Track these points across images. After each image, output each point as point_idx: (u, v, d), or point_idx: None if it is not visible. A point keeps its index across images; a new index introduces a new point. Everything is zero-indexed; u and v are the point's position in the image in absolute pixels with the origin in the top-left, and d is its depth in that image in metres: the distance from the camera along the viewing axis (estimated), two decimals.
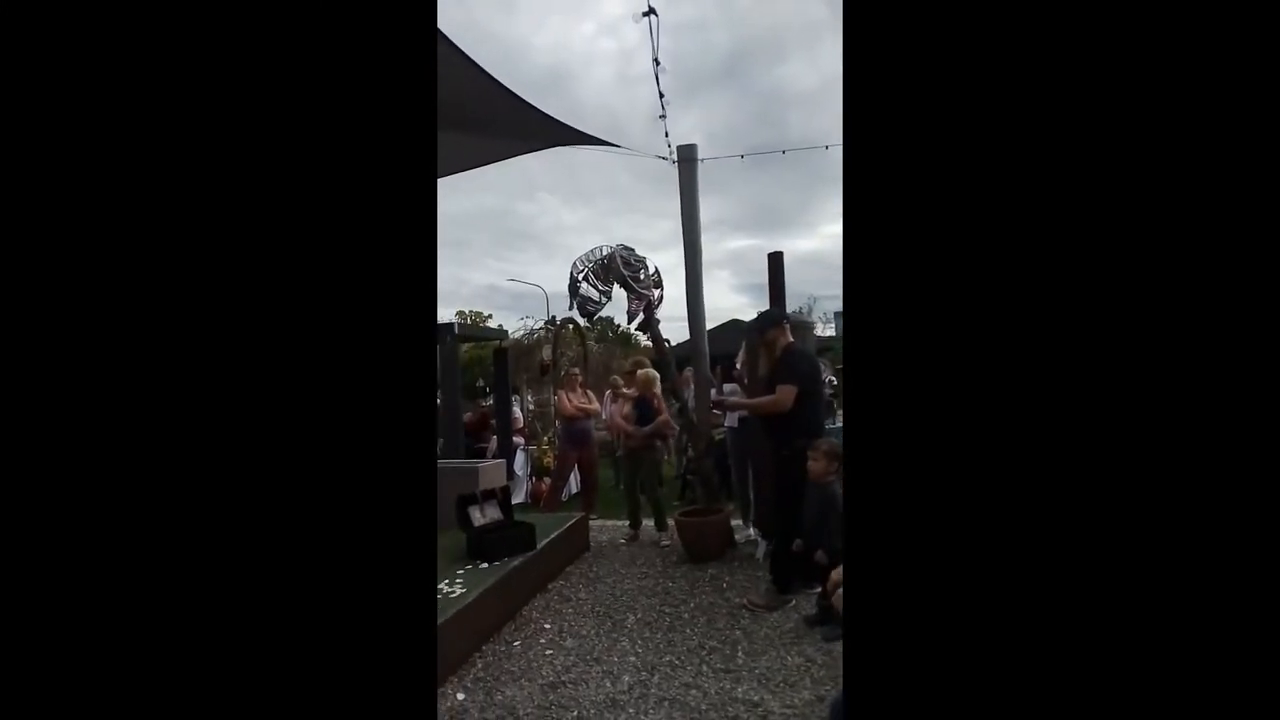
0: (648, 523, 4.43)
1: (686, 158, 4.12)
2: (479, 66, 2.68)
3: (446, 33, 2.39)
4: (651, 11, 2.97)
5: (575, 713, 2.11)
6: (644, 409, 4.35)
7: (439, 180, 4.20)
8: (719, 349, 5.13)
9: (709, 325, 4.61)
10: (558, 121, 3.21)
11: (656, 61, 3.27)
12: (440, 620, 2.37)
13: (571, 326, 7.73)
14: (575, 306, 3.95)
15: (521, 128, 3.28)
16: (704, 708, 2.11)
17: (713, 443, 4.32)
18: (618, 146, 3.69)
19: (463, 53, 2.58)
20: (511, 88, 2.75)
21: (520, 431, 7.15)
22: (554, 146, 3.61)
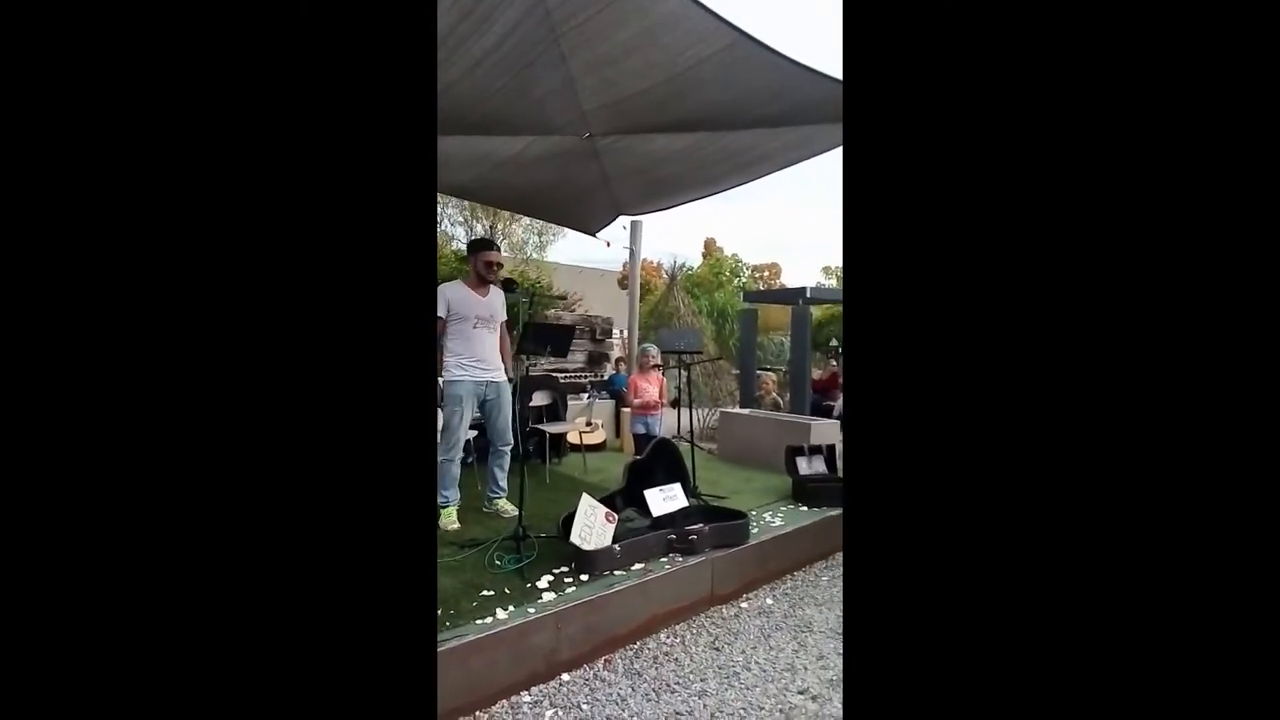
0: None
1: None
2: (817, 70, 2.96)
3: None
4: None
5: None
6: None
7: (800, 170, 4.60)
8: None
9: None
10: None
11: None
12: (761, 540, 2.98)
13: None
14: None
15: None
16: None
17: None
18: None
19: (798, 63, 2.91)
20: None
21: None
22: None
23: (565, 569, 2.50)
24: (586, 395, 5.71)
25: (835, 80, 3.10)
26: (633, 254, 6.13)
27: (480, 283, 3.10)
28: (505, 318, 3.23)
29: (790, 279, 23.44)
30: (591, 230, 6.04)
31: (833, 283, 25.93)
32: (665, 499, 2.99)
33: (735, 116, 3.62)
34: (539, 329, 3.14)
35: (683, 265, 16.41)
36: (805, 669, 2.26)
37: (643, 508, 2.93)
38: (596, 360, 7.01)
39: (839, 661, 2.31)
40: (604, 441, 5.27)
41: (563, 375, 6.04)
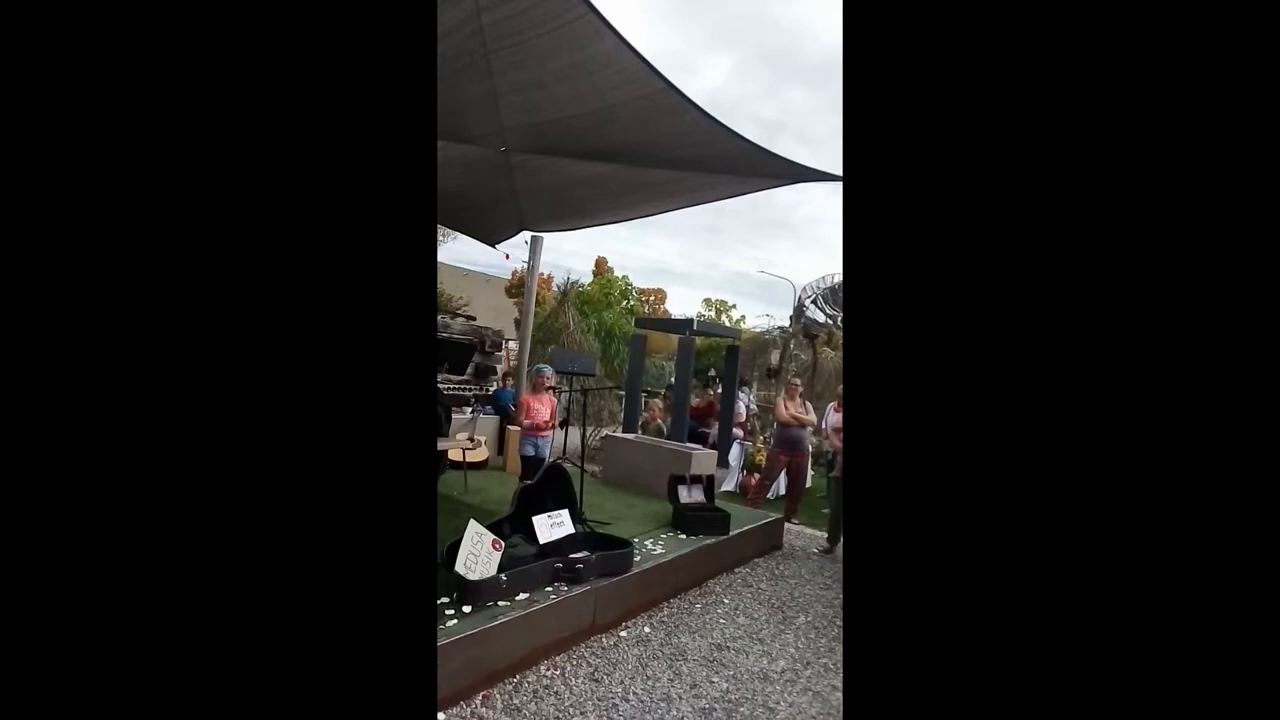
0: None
1: None
2: (728, 127, 3.20)
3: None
4: None
5: (732, 672, 2.59)
6: None
7: (689, 209, 4.85)
8: None
9: None
10: (801, 165, 3.57)
11: None
12: (641, 569, 3.06)
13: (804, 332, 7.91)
14: (801, 328, 4.27)
15: (768, 167, 3.70)
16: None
17: None
18: None
19: (712, 117, 3.12)
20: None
21: (741, 425, 7.67)
22: (799, 183, 3.95)
23: (447, 599, 2.39)
24: (471, 410, 5.50)
25: (744, 139, 3.35)
26: (531, 269, 6.07)
27: None
28: None
29: (674, 306, 24.38)
30: (493, 241, 5.90)
31: (712, 314, 27.32)
32: (553, 525, 2.98)
33: (650, 155, 3.77)
34: (438, 344, 3.01)
35: (575, 282, 16.41)
36: (680, 698, 2.36)
37: (530, 534, 2.89)
38: (483, 373, 6.78)
39: (710, 689, 2.44)
40: (486, 459, 5.11)
41: (447, 387, 5.77)
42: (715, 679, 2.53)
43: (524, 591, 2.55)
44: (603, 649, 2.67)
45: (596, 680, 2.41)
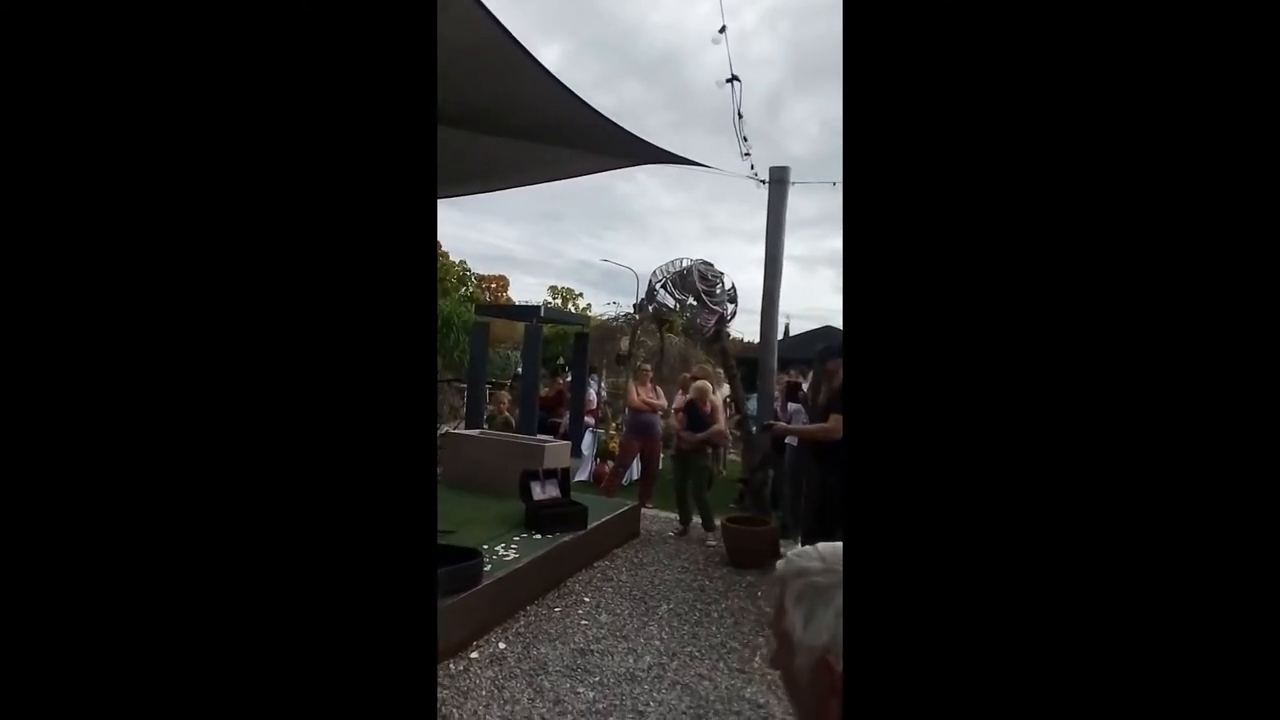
0: (698, 519, 4.66)
1: (777, 179, 4.22)
2: (573, 91, 2.97)
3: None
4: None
5: (597, 678, 2.42)
6: (694, 416, 4.55)
7: (530, 187, 4.54)
8: (808, 353, 5.15)
9: (805, 326, 4.74)
10: (650, 144, 3.46)
11: (733, 79, 3.46)
12: (493, 579, 2.75)
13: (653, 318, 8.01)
14: (652, 313, 4.21)
15: (614, 145, 3.54)
16: (712, 699, 2.34)
17: (768, 455, 4.47)
18: (708, 167, 3.88)
19: (555, 78, 2.88)
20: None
21: (592, 413, 7.56)
22: (647, 164, 3.85)
23: None
24: None
25: (590, 107, 3.15)
26: None
27: None
28: None
29: (517, 294, 23.61)
30: None
31: (559, 302, 27.04)
32: None
33: (489, 120, 3.40)
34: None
35: None
36: (543, 719, 2.12)
37: None
38: None
39: (575, 701, 2.23)
40: None
41: None
42: (580, 689, 2.33)
43: None
44: (450, 677, 2.33)
45: (444, 716, 2.08)
